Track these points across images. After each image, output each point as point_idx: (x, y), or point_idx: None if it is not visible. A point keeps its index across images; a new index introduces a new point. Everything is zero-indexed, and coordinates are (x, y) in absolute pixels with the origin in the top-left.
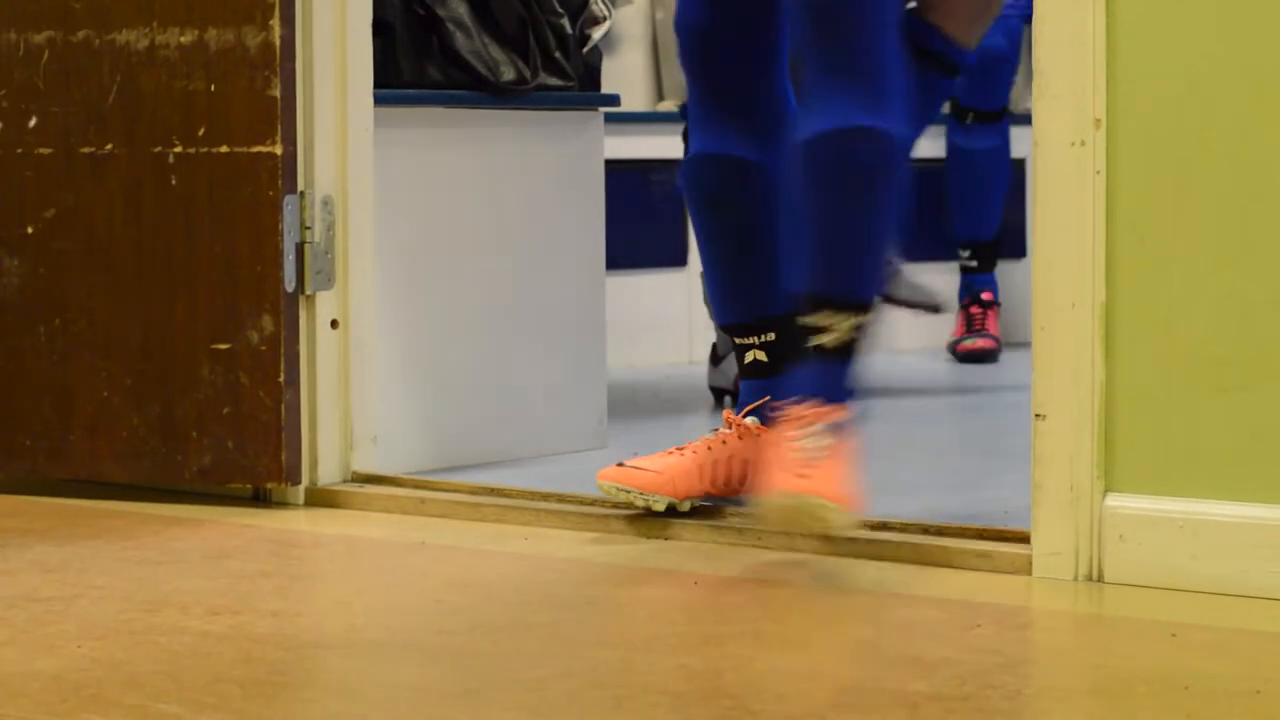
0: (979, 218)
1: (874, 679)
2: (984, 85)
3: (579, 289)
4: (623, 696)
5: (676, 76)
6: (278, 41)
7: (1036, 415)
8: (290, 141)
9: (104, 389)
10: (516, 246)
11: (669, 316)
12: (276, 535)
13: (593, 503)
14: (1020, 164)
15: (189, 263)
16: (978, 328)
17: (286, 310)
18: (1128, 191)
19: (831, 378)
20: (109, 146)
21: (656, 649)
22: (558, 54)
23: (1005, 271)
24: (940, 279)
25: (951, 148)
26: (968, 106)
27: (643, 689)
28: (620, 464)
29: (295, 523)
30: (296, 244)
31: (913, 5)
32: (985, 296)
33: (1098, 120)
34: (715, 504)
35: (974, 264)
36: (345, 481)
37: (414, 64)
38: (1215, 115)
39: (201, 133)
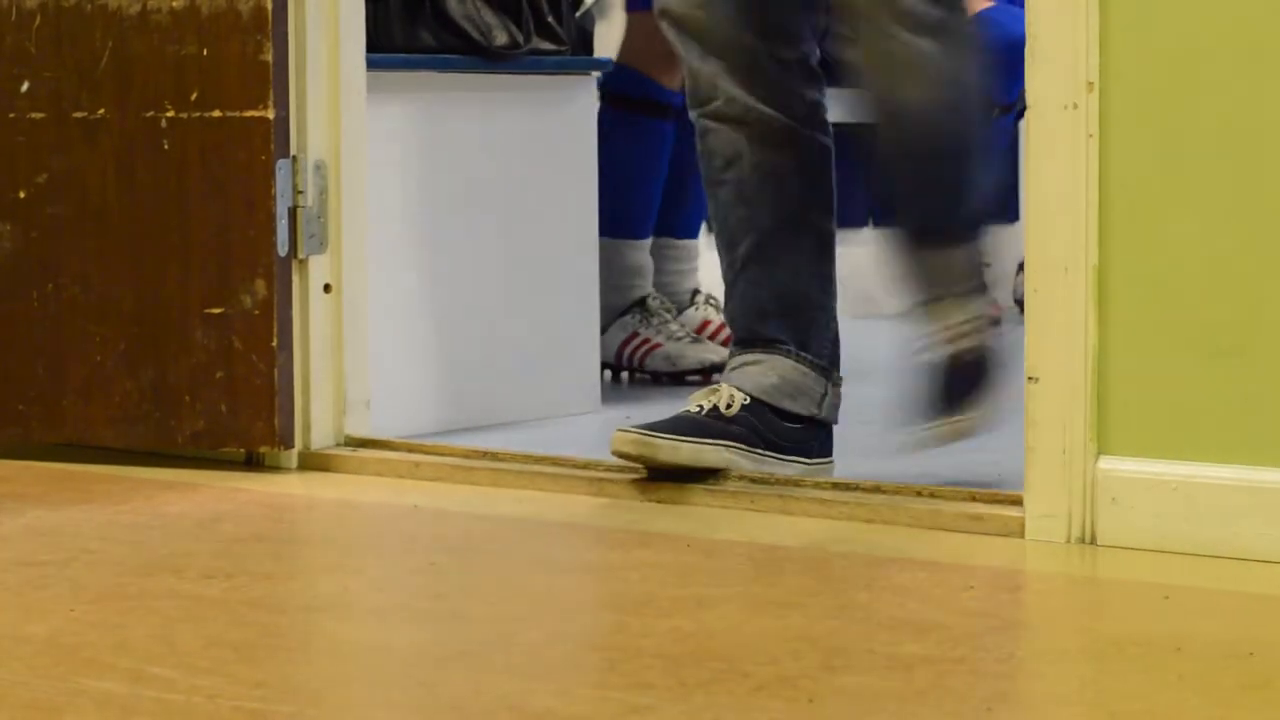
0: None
1: (867, 641)
2: (1014, 78)
3: (572, 253)
4: (615, 659)
5: None
6: (270, 5)
7: (1029, 378)
8: (283, 106)
9: (97, 354)
10: (509, 210)
11: None
12: (269, 499)
13: (586, 466)
14: None
15: (181, 227)
16: None
17: (279, 274)
18: (1121, 155)
19: None
20: (101, 111)
21: (649, 612)
22: (550, 18)
23: (998, 236)
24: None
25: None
26: (994, 101)
27: (635, 651)
28: None
29: (288, 486)
30: (289, 208)
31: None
32: None
33: (1090, 83)
34: (709, 468)
35: None
36: (338, 445)
37: (406, 28)
38: (1209, 78)
39: (194, 97)
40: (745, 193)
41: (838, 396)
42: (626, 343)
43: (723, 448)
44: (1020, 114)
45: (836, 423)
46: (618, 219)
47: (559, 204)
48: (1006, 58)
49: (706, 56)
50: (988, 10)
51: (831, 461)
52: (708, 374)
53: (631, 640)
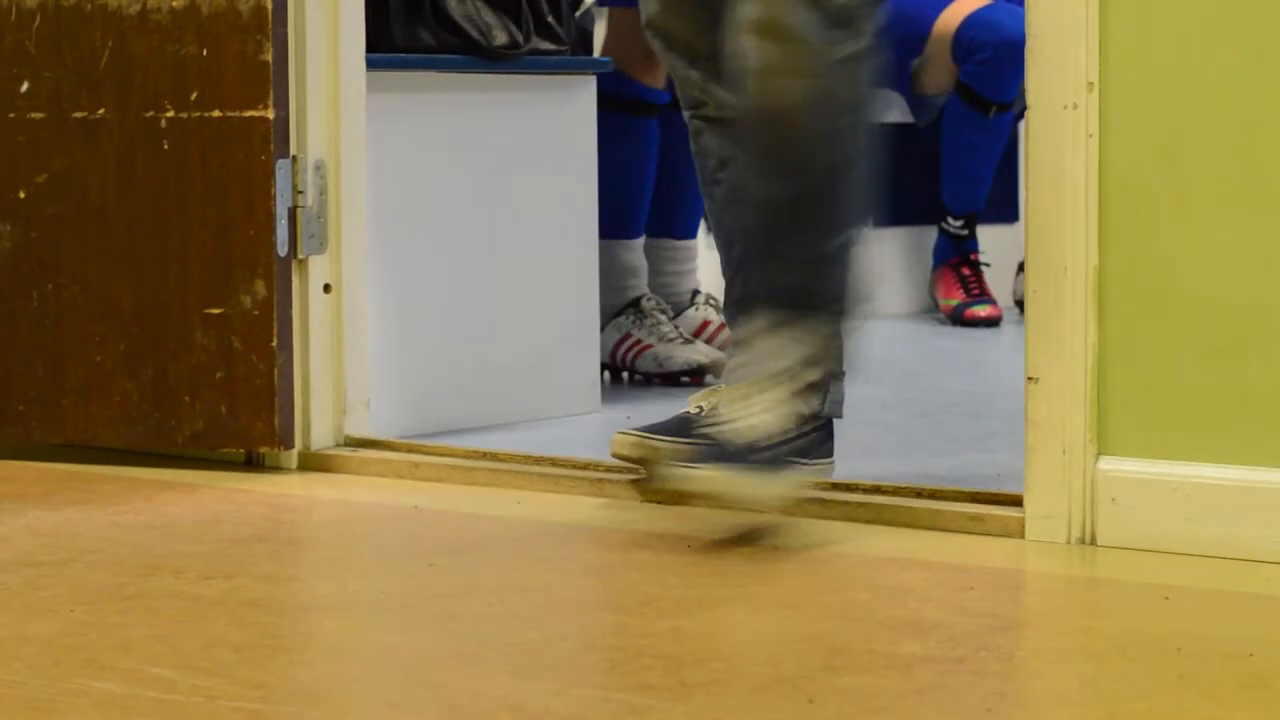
0: (979, 192)
1: (867, 641)
2: (1013, 77)
3: (572, 253)
4: (616, 660)
5: None
6: (270, 5)
7: (1029, 378)
8: (282, 106)
9: (97, 354)
10: (509, 211)
11: None
12: (269, 499)
13: (585, 466)
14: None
15: (181, 227)
16: (976, 293)
17: (279, 275)
18: (1120, 155)
19: None
20: (101, 111)
21: (649, 612)
22: (550, 18)
23: (998, 235)
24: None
25: (959, 132)
26: (992, 100)
27: (636, 652)
28: None
29: (288, 487)
30: (289, 208)
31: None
32: (974, 257)
33: (1090, 83)
34: None
35: (965, 232)
36: (338, 446)
37: (406, 28)
38: (1208, 78)
39: (194, 97)
40: (739, 194)
41: (840, 392)
42: (620, 343)
43: None
44: (1020, 114)
45: (840, 416)
46: (610, 219)
47: (559, 204)
48: (1001, 56)
49: (692, 64)
50: (981, 10)
51: (831, 462)
52: (698, 375)
53: (631, 640)
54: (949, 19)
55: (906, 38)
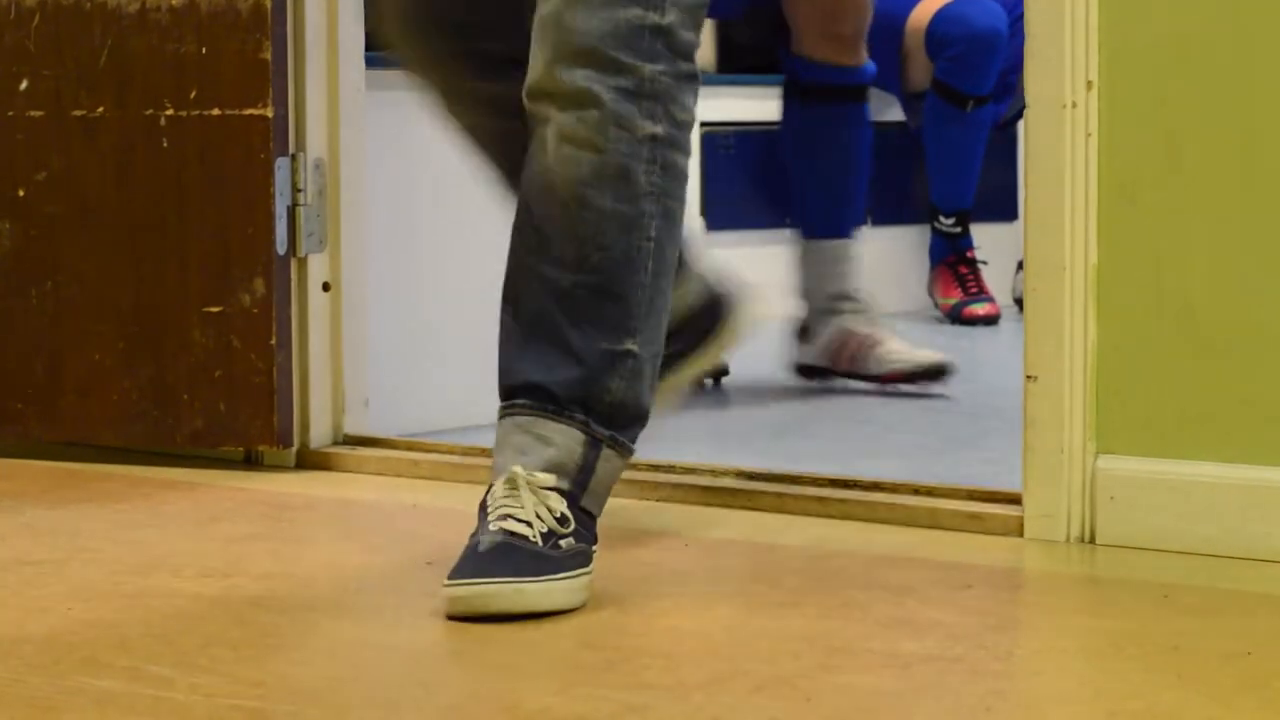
0: (966, 188)
1: (865, 640)
2: (987, 69)
3: None
4: (614, 659)
5: None
6: (269, 4)
7: (1028, 377)
8: (282, 104)
9: (95, 352)
10: (507, 209)
11: None
12: (268, 498)
13: None
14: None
15: (180, 225)
16: (974, 291)
17: (278, 273)
18: (1119, 154)
19: None
20: (100, 109)
21: (648, 611)
22: None
23: (996, 234)
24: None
25: (939, 129)
26: (968, 93)
27: (634, 650)
28: None
29: (287, 485)
30: (288, 206)
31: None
32: (969, 254)
33: (1090, 82)
34: (708, 466)
35: (958, 230)
36: (337, 444)
37: None
38: (1208, 78)
39: (193, 95)
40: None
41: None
42: (844, 343)
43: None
44: (1016, 116)
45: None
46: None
47: None
48: (972, 49)
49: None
50: (951, 5)
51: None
52: (935, 376)
53: (630, 640)
54: (920, 15)
55: (886, 34)
